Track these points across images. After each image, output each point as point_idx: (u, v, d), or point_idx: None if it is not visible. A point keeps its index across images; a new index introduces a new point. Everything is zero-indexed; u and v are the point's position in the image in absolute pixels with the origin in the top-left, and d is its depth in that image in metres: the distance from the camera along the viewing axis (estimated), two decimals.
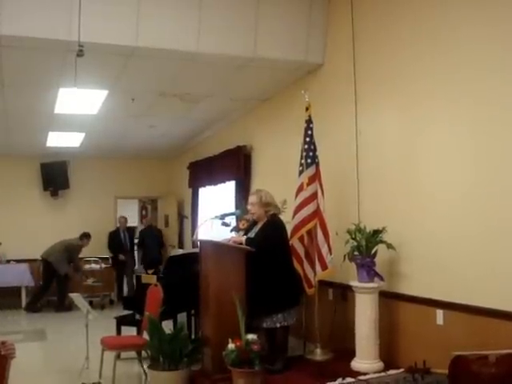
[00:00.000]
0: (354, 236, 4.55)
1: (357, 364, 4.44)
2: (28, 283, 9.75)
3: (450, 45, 4.10)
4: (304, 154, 4.97)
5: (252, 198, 5.00)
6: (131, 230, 11.09)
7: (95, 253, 10.28)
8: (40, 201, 10.78)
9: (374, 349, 4.41)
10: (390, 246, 4.45)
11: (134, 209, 15.84)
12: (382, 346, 4.46)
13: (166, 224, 11.51)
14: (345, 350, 4.71)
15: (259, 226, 4.96)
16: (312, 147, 4.95)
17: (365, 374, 4.20)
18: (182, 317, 5.88)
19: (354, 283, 4.52)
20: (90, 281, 10.09)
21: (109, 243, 10.45)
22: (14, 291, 9.72)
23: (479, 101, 3.84)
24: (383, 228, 4.48)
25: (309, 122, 4.99)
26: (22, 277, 9.68)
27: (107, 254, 10.49)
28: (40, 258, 9.65)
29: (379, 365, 4.39)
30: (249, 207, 5.05)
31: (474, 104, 3.88)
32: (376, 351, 4.42)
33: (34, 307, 9.39)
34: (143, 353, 5.12)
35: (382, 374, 4.16)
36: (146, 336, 4.95)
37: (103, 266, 10.31)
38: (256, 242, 4.73)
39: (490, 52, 3.76)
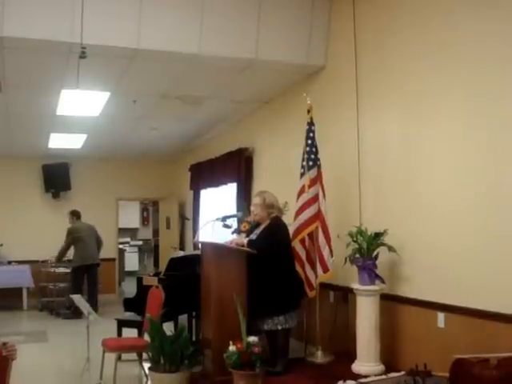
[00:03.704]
0: (355, 238, 4.55)
1: (357, 367, 4.44)
2: (29, 284, 9.75)
3: (452, 44, 4.08)
4: (306, 156, 4.98)
5: (255, 200, 5.04)
6: None
7: None
8: (41, 202, 10.77)
9: (374, 351, 4.41)
10: (391, 249, 4.44)
11: (136, 211, 15.90)
12: (382, 349, 4.46)
13: (168, 226, 11.51)
14: (346, 352, 4.72)
15: (261, 227, 4.97)
16: (314, 149, 4.96)
17: (365, 376, 4.17)
18: (182, 319, 5.88)
19: (355, 286, 4.52)
20: None
21: None
22: (16, 292, 9.72)
23: (482, 101, 3.82)
24: (385, 230, 4.48)
25: (310, 124, 5.00)
26: (23, 278, 9.68)
27: (107, 256, 10.51)
28: (82, 264, 9.04)
29: (380, 367, 4.38)
30: (252, 208, 5.09)
31: (477, 105, 3.86)
32: (377, 354, 4.42)
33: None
34: (144, 354, 5.11)
35: (383, 376, 4.11)
36: (146, 338, 4.95)
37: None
38: (258, 244, 4.74)
39: (493, 51, 3.74)
